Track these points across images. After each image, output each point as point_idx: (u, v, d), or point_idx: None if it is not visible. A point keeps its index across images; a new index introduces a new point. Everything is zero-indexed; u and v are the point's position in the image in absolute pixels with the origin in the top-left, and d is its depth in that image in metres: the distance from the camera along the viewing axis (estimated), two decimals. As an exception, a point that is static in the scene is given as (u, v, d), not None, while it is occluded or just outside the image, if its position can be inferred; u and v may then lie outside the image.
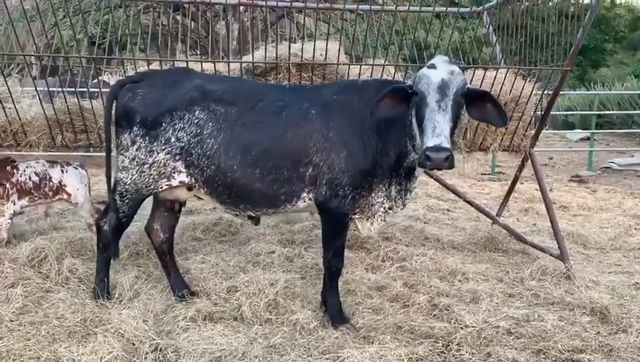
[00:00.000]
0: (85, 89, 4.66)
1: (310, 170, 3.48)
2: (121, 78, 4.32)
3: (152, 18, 5.43)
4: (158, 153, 3.55)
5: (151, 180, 3.62)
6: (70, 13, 5.13)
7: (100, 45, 9.83)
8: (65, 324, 3.43)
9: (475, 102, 3.20)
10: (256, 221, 3.93)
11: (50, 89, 4.67)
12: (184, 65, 4.51)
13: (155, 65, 4.67)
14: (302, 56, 4.54)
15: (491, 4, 5.52)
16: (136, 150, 3.57)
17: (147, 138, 3.54)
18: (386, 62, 4.70)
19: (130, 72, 4.56)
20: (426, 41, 4.98)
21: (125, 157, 3.62)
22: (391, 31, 4.92)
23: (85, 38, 4.98)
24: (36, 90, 4.50)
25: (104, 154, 3.74)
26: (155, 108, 3.53)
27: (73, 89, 4.50)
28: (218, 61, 4.64)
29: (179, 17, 10.50)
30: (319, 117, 3.50)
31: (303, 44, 4.53)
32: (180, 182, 3.62)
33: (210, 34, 6.28)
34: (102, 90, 4.55)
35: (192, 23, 9.47)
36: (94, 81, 5.73)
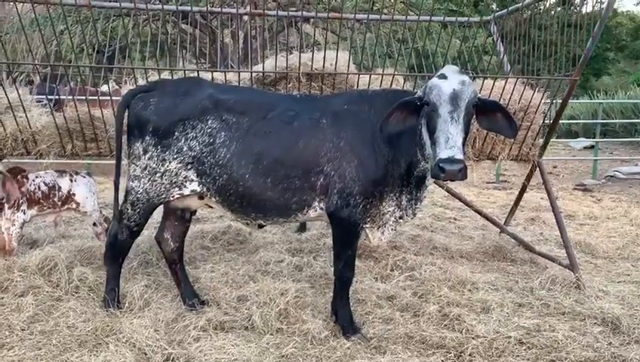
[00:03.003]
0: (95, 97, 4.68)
1: (321, 180, 3.49)
2: (132, 87, 4.33)
3: (160, 26, 5.45)
4: (170, 162, 3.55)
5: (163, 189, 3.62)
6: (81, 20, 5.15)
7: (106, 53, 9.86)
8: (76, 333, 3.43)
9: (485, 113, 3.21)
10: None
11: (61, 97, 4.69)
12: (194, 74, 4.54)
13: (158, 74, 4.67)
14: (312, 66, 4.55)
15: (500, 13, 5.54)
16: (148, 159, 3.58)
17: (159, 147, 3.55)
18: (396, 72, 4.71)
19: (140, 81, 4.56)
20: (435, 50, 5.00)
21: (137, 166, 3.63)
22: (400, 41, 4.95)
23: (95, 45, 5.00)
24: (47, 98, 4.52)
25: (109, 161, 3.74)
26: (168, 118, 3.54)
27: (84, 97, 4.52)
28: (229, 70, 4.65)
29: (184, 26, 10.55)
30: (330, 126, 3.51)
31: (312, 54, 4.55)
32: (192, 191, 3.62)
33: (218, 43, 6.31)
34: (111, 98, 4.57)
35: (199, 31, 9.50)
36: (104, 89, 5.75)
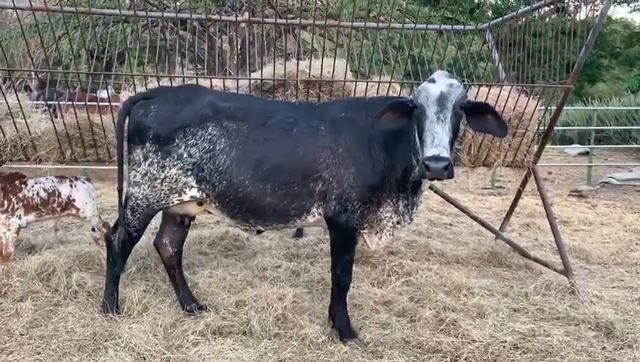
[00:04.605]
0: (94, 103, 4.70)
1: (320, 186, 3.53)
2: (132, 94, 4.36)
3: (158, 33, 5.49)
4: (170, 168, 3.59)
5: (162, 195, 3.66)
6: (80, 25, 5.19)
7: (103, 59, 9.88)
8: (75, 338, 3.45)
9: (475, 115, 3.26)
10: None
11: (61, 103, 4.71)
12: (193, 81, 4.57)
13: (157, 81, 4.70)
14: (310, 73, 4.60)
15: (495, 21, 5.61)
16: (149, 165, 3.62)
17: (159, 153, 3.59)
18: (392, 79, 4.76)
19: (138, 88, 4.59)
20: (431, 57, 5.06)
21: (137, 172, 3.67)
22: (397, 48, 5.00)
23: (95, 52, 5.04)
24: (47, 105, 4.54)
25: (105, 167, 3.76)
26: (168, 125, 3.58)
27: (83, 103, 4.55)
28: (228, 78, 4.69)
29: (182, 32, 10.58)
30: (328, 133, 3.56)
31: (310, 61, 4.59)
32: (191, 197, 3.66)
33: (216, 49, 6.35)
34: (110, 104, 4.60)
35: (196, 38, 9.54)
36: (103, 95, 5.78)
